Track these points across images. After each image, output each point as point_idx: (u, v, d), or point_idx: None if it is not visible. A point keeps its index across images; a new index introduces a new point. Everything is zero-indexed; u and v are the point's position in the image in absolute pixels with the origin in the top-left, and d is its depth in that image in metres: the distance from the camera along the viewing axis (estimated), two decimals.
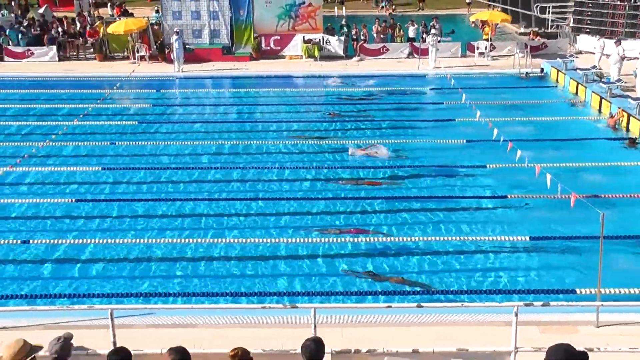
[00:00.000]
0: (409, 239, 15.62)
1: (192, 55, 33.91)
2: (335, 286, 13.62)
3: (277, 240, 15.53)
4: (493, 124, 20.52)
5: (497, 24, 37.67)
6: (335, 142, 22.41)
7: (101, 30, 35.85)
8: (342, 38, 35.02)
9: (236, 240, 15.50)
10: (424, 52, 32.65)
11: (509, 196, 17.77)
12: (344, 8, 45.76)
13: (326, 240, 15.47)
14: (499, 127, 20.62)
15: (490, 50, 34.26)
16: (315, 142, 22.46)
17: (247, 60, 34.17)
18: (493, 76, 31.33)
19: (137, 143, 22.46)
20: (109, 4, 46.11)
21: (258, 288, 13.59)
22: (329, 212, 17.17)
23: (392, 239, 15.61)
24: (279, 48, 35.14)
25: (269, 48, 35.14)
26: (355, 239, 15.53)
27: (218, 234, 15.94)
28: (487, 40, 34.81)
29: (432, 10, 46.47)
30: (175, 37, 32.08)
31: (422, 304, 9.61)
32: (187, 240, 15.56)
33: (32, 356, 6.92)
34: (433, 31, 33.53)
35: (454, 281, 13.92)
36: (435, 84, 29.74)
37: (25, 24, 37.16)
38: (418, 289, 13.56)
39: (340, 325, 11.35)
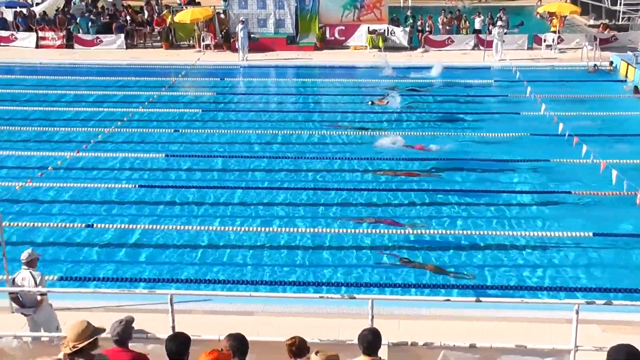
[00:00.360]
0: (469, 232, 15.44)
1: (256, 45, 34.13)
2: (394, 278, 13.56)
3: (336, 230, 15.54)
4: (558, 118, 20.11)
5: (566, 16, 36.79)
6: (399, 133, 22.20)
7: (168, 18, 36.35)
8: (407, 29, 34.72)
9: (296, 230, 15.57)
10: (490, 44, 32.16)
11: (572, 192, 17.39)
12: None
13: (386, 231, 15.42)
14: (565, 121, 20.19)
15: (558, 43, 33.52)
16: (375, 133, 22.28)
17: (312, 50, 34.22)
18: (560, 69, 30.67)
19: (200, 131, 22.72)
20: None
21: (316, 278, 13.61)
22: (389, 204, 17.11)
23: (453, 232, 15.47)
24: (344, 38, 35.07)
25: (333, 38, 35.11)
26: (417, 231, 15.46)
27: (281, 223, 16.02)
28: (554, 32, 34.06)
29: (499, 2, 45.65)
30: (240, 26, 32.32)
31: (481, 299, 9.46)
32: (248, 228, 15.70)
33: (95, 337, 7.07)
34: (499, 23, 32.96)
35: (514, 276, 13.73)
36: (500, 77, 29.27)
37: (95, 13, 37.94)
38: (477, 283, 13.42)
39: (397, 317, 11.32)
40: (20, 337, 9.85)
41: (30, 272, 10.79)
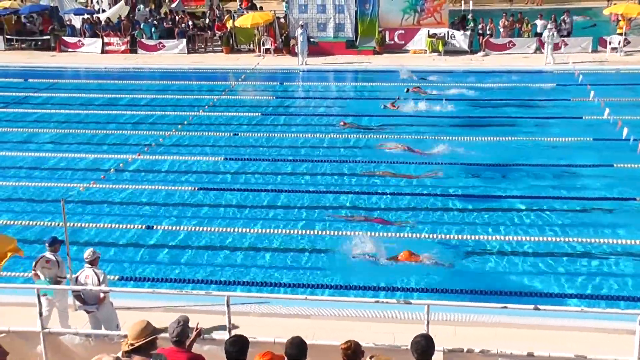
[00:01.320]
0: (529, 239, 15.20)
1: (316, 49, 34.28)
2: (450, 284, 13.42)
3: (392, 234, 15.48)
4: (623, 122, 19.62)
5: (633, 18, 35.86)
6: (450, 138, 21.96)
7: (229, 23, 36.79)
8: (468, 32, 34.38)
9: (354, 233, 15.54)
10: (553, 48, 31.57)
11: (637, 199, 16.95)
12: (470, 2, 44.89)
13: (441, 236, 15.30)
14: (630, 125, 19.67)
15: (624, 46, 32.74)
16: (435, 137, 22.10)
17: (371, 54, 34.20)
18: (625, 72, 29.95)
19: (259, 134, 22.87)
20: None
21: (372, 282, 13.56)
22: (446, 208, 16.97)
23: (515, 238, 15.25)
24: (403, 42, 34.92)
25: (392, 42, 34.99)
26: (478, 237, 15.31)
27: (337, 227, 16.00)
28: (621, 34, 33.27)
29: (564, 4, 44.77)
30: (300, 30, 32.49)
31: (540, 307, 9.27)
32: (307, 231, 15.74)
33: (154, 337, 7.19)
34: (549, 26, 32.25)
35: (574, 284, 13.45)
36: (562, 81, 28.71)
37: (158, 18, 38.64)
38: (536, 290, 13.19)
39: (453, 323, 11.22)
40: (82, 334, 10.10)
41: (93, 270, 11.09)
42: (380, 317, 11.60)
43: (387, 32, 34.88)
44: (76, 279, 11.11)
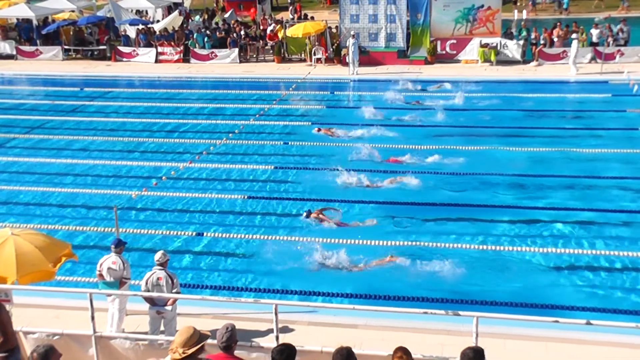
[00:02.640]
0: (583, 252, 14.93)
1: (367, 58, 34.30)
2: (500, 296, 13.24)
3: (438, 244, 15.38)
4: None
5: None
6: (503, 147, 21.76)
7: (281, 33, 37.06)
8: (521, 42, 33.99)
9: (404, 243, 15.49)
10: (608, 57, 31.07)
11: None
12: (524, 11, 44.44)
13: (493, 247, 15.16)
14: None
15: None
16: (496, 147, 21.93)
17: (422, 64, 34.07)
18: None
19: (308, 143, 22.92)
20: (290, 8, 47.57)
21: (420, 293, 13.46)
22: (498, 221, 16.77)
23: (567, 251, 15.02)
24: (455, 52, 34.71)
25: (444, 52, 34.81)
26: (530, 249, 15.12)
27: (386, 237, 15.94)
28: None
29: (621, 12, 43.99)
30: (351, 40, 32.55)
31: (592, 321, 9.08)
32: (353, 241, 15.69)
33: (202, 343, 7.25)
34: (574, 35, 31.69)
35: (629, 300, 13.14)
36: (617, 91, 28.15)
37: (211, 28, 39.14)
38: (588, 305, 12.92)
39: (503, 336, 11.07)
40: (133, 338, 10.24)
41: (165, 272, 11.33)
42: (428, 329, 11.51)
43: (438, 42, 34.68)
44: (146, 280, 11.30)
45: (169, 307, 11.28)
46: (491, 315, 9.90)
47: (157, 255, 11.42)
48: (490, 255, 14.99)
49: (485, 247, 15.33)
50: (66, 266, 12.50)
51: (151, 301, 11.30)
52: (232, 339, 7.73)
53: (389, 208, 17.66)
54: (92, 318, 10.16)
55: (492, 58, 33.43)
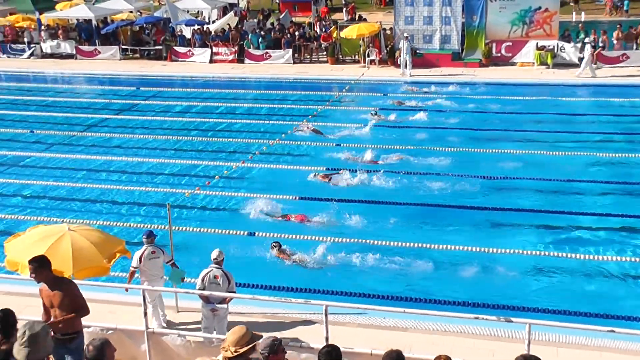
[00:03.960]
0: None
1: (421, 60, 34.10)
2: (553, 303, 13.02)
3: (502, 251, 15.19)
4: None
5: None
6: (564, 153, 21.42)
7: (335, 34, 37.09)
8: (579, 45, 33.37)
9: (457, 248, 15.35)
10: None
11: None
12: (582, 13, 43.70)
13: (544, 253, 14.93)
14: None
15: None
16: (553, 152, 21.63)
17: (477, 67, 33.72)
18: None
19: (361, 145, 22.86)
20: (344, 9, 47.60)
21: (472, 298, 13.30)
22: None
23: (625, 259, 14.72)
24: (510, 55, 34.25)
25: (499, 54, 34.38)
26: (587, 256, 14.88)
27: (433, 239, 15.78)
28: None
29: None
30: (404, 42, 32.41)
31: None
32: (406, 244, 15.61)
33: (255, 343, 7.27)
34: (587, 39, 31.21)
35: None
36: None
37: (266, 29, 39.39)
38: None
39: (556, 344, 10.88)
40: (184, 335, 10.36)
41: (222, 270, 11.48)
42: (479, 334, 11.37)
43: (494, 44, 34.27)
44: (202, 278, 11.43)
45: (224, 305, 11.36)
46: (544, 322, 9.76)
47: (214, 254, 11.54)
48: (544, 262, 14.75)
49: (539, 252, 15.09)
50: (120, 262, 12.66)
51: (206, 299, 11.40)
52: (272, 349, 7.67)
53: (442, 211, 17.53)
54: (145, 314, 10.32)
55: (549, 61, 32.88)
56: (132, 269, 12.21)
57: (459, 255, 15.05)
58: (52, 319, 9.06)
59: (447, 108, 27.43)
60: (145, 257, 12.10)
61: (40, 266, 8.88)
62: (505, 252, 15.09)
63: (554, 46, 33.32)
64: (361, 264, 14.89)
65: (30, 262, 8.96)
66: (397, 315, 11.81)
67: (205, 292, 11.16)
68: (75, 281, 9.56)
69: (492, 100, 28.21)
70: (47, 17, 43.81)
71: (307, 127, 24.29)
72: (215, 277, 11.31)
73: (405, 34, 33.24)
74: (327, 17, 44.52)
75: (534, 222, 16.74)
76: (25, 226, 15.46)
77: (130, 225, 17.09)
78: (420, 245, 15.58)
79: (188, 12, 44.32)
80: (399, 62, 33.28)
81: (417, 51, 34.46)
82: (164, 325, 12.10)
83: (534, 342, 8.62)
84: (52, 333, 8.69)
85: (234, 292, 11.50)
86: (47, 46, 40.80)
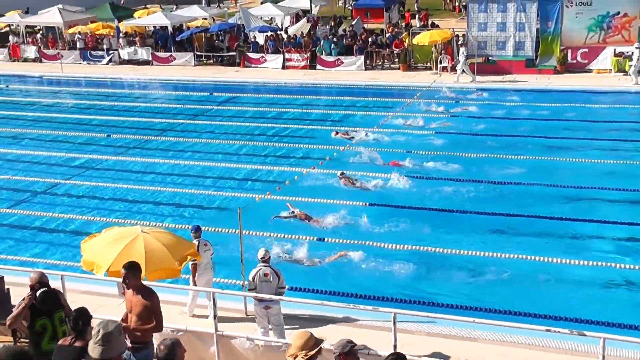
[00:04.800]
0: None
1: (494, 67, 33.68)
2: (629, 318, 12.61)
3: (579, 262, 14.85)
4: None
5: None
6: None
7: (407, 41, 36.95)
8: None
9: (536, 258, 15.07)
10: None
11: None
12: None
13: (621, 266, 14.52)
14: None
15: None
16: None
17: (551, 74, 33.04)
18: None
19: (432, 152, 22.69)
20: (416, 16, 47.38)
21: (544, 310, 12.99)
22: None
23: None
24: (586, 61, 33.44)
25: (575, 61, 33.59)
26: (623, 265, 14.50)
27: (521, 250, 15.52)
28: None
29: None
30: (462, 49, 32.34)
31: None
32: (481, 253, 15.39)
33: (320, 347, 7.28)
34: (636, 45, 29.90)
35: None
36: None
37: (338, 35, 39.52)
38: None
39: None
40: (252, 339, 10.45)
41: (271, 268, 11.73)
42: (550, 347, 11.12)
43: (569, 51, 33.52)
44: (253, 277, 11.63)
45: (276, 297, 11.49)
46: (619, 337, 9.48)
47: (261, 253, 11.87)
48: (621, 275, 14.32)
49: (615, 265, 14.66)
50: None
51: (259, 298, 11.61)
52: (345, 349, 7.65)
53: (514, 220, 17.24)
54: (215, 317, 10.45)
55: (627, 68, 31.95)
56: (192, 264, 12.61)
57: (530, 266, 14.75)
58: (128, 324, 9.25)
59: (520, 116, 27.01)
60: (200, 249, 12.50)
61: (132, 271, 9.11)
62: (579, 264, 14.72)
63: (632, 52, 32.36)
64: (430, 273, 14.76)
65: (124, 266, 9.18)
66: (467, 325, 11.64)
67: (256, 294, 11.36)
68: (147, 283, 9.75)
69: (567, 108, 27.61)
70: (125, 25, 45.00)
71: (341, 134, 24.17)
72: (265, 274, 11.57)
73: (461, 41, 32.94)
74: (400, 24, 44.38)
75: (613, 233, 16.29)
76: (98, 227, 15.90)
77: (206, 229, 17.27)
78: (490, 254, 15.33)
79: (261, 18, 44.84)
80: (456, 69, 33.10)
81: (490, 58, 34.03)
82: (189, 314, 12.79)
83: (608, 357, 8.39)
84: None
85: (284, 288, 11.75)
86: (125, 53, 41.89)
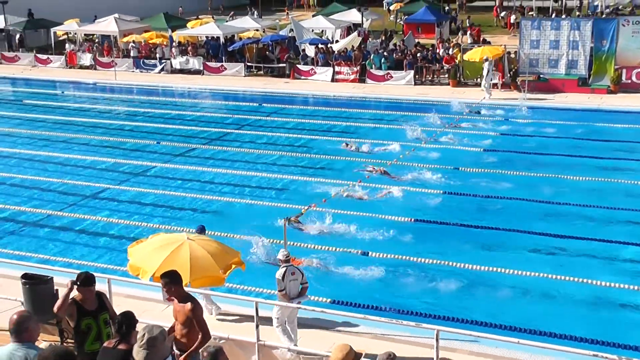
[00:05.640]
0: None
1: (545, 85, 33.33)
2: None
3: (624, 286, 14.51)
4: None
5: None
6: None
7: (458, 57, 36.75)
8: None
9: (580, 280, 14.81)
10: None
11: None
12: None
13: None
14: None
15: None
16: None
17: (604, 93, 32.49)
18: None
19: (480, 170, 22.48)
20: (467, 32, 47.14)
21: (592, 334, 12.71)
22: None
23: None
24: None
25: (629, 81, 32.97)
26: None
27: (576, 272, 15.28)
28: None
29: None
30: (485, 64, 32.34)
31: None
32: (530, 273, 15.18)
33: None
34: None
35: None
36: None
37: (388, 49, 39.50)
38: None
39: None
40: (294, 350, 10.43)
41: (295, 267, 12.22)
42: None
43: (623, 70, 32.95)
44: (282, 277, 11.92)
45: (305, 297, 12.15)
46: None
47: (282, 254, 12.25)
48: None
49: None
50: (236, 274, 12.91)
51: (288, 297, 11.95)
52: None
53: (574, 242, 16.96)
54: (257, 326, 10.46)
55: None
56: None
57: (583, 289, 14.50)
58: (174, 333, 9.32)
59: (571, 135, 26.61)
60: None
61: (171, 281, 9.17)
62: (632, 289, 14.39)
63: None
64: (474, 291, 14.59)
65: (162, 276, 9.26)
66: (511, 345, 11.44)
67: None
68: (190, 289, 9.81)
69: (620, 129, 27.14)
70: (178, 35, 45.64)
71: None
72: (292, 273, 12.01)
73: (486, 57, 32.66)
74: (450, 40, 44.19)
75: None
76: (147, 233, 16.08)
77: (243, 237, 17.32)
78: (540, 274, 15.10)
79: (312, 31, 45.05)
80: (482, 85, 33.01)
81: (542, 76, 33.66)
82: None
83: None
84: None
85: (307, 283, 12.21)
86: (177, 62, 42.44)
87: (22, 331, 6.78)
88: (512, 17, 52.35)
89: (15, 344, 6.74)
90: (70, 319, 8.96)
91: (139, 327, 7.42)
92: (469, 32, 46.93)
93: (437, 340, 9.32)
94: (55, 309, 8.94)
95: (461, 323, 13.18)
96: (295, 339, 11.99)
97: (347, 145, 25.41)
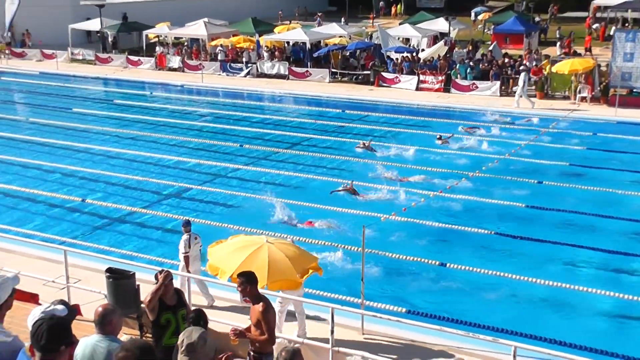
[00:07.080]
0: None
1: (638, 100, 32.32)
2: None
3: None
4: None
5: None
6: None
7: (546, 68, 36.03)
8: None
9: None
10: None
11: None
12: None
13: None
14: None
15: None
16: None
17: None
18: None
19: (563, 185, 22.01)
20: (557, 44, 46.16)
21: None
22: None
23: None
24: None
25: None
26: None
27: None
28: None
29: None
30: (522, 74, 32.26)
31: None
32: (594, 290, 14.79)
33: None
34: None
35: None
36: None
37: (475, 60, 39.05)
38: None
39: None
40: (369, 358, 10.42)
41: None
42: None
43: None
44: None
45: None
46: None
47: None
48: None
49: None
50: (314, 278, 12.98)
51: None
52: None
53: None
54: (332, 332, 10.50)
55: None
56: (184, 255, 13.70)
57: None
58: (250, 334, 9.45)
59: None
60: (191, 242, 13.73)
61: (246, 281, 9.31)
62: None
63: None
64: (553, 307, 14.26)
65: (238, 276, 9.41)
66: None
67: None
68: (264, 291, 9.92)
69: None
70: (265, 39, 46.28)
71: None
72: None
73: (522, 66, 31.90)
74: (539, 51, 43.37)
75: None
76: (227, 234, 16.32)
77: (323, 243, 17.42)
78: (621, 295, 14.64)
79: (398, 39, 44.96)
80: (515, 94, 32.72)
81: (634, 90, 32.67)
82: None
83: None
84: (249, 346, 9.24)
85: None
86: (263, 66, 43.02)
87: (106, 324, 6.98)
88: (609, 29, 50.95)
89: (99, 335, 6.95)
90: (152, 313, 9.18)
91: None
92: (558, 44, 45.95)
93: (514, 357, 9.17)
94: (146, 301, 9.19)
95: (538, 340, 12.89)
96: (302, 331, 12.32)
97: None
